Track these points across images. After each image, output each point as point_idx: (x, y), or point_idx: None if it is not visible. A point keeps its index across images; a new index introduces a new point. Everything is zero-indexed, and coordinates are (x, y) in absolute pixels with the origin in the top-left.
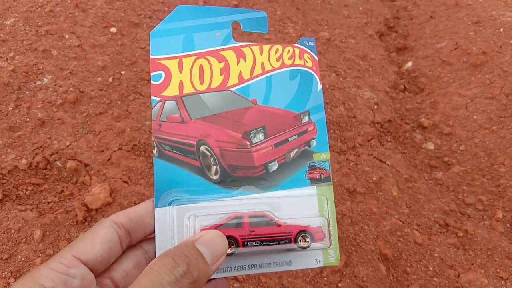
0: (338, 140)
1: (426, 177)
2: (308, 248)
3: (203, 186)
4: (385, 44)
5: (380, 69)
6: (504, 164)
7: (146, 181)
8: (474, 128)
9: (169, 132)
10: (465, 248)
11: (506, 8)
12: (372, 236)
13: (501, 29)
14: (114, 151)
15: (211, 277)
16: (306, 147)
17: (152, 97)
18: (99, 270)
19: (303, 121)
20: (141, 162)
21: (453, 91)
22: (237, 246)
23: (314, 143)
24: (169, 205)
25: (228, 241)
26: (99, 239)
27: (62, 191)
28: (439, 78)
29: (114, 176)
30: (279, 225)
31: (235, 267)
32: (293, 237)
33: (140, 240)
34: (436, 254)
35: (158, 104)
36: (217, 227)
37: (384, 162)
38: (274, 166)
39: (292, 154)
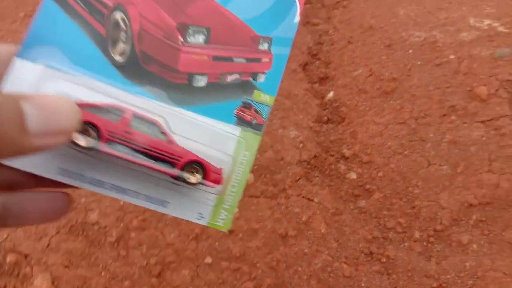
0: (270, 184)
1: (351, 207)
2: (194, 187)
3: (96, 61)
4: (309, 74)
5: (304, 104)
6: (417, 186)
7: (87, 262)
8: (389, 154)
9: None
10: (389, 273)
11: (415, 28)
12: (305, 277)
13: (410, 51)
14: (52, 236)
15: (46, 177)
16: (251, 78)
17: None
18: None
19: (261, 47)
20: (80, 243)
21: (369, 119)
22: (99, 139)
23: (262, 78)
24: (36, 62)
25: (87, 130)
26: None
27: (5, 286)
28: (357, 107)
29: (55, 263)
30: (169, 142)
31: (91, 179)
32: (180, 164)
33: None
34: (363, 284)
35: None
36: (84, 106)
37: (312, 200)
38: (201, 81)
39: (229, 77)
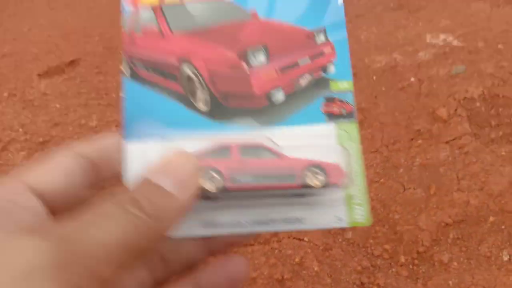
0: None
1: (339, 240)
2: (321, 190)
3: (186, 117)
4: None
5: None
6: (397, 211)
7: None
8: (367, 183)
9: (145, 48)
10: None
11: (376, 52)
12: None
13: (374, 77)
14: None
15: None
16: (322, 73)
17: (124, 5)
18: (56, 208)
19: (318, 40)
20: None
21: None
22: (223, 181)
23: (332, 68)
24: (142, 138)
25: (210, 175)
26: (54, 166)
27: None
28: None
29: None
30: (280, 157)
31: (230, 223)
32: (299, 172)
33: (108, 179)
34: None
35: (131, 13)
36: (197, 155)
37: (302, 239)
38: (279, 96)
39: (302, 81)
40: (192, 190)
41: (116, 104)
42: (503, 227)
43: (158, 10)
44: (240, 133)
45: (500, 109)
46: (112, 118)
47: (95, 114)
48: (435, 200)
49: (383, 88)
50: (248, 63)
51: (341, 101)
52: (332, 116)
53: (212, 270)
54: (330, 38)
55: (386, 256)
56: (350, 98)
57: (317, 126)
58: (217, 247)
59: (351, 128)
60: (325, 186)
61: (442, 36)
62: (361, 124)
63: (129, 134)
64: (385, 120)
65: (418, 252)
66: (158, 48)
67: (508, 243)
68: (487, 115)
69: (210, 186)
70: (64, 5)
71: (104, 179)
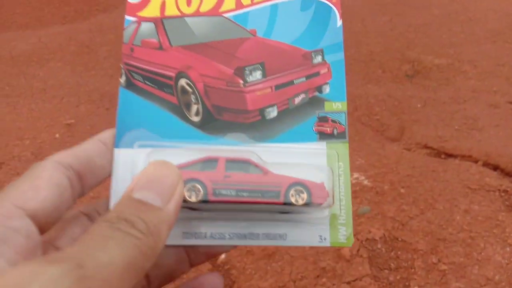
0: None
1: None
2: (304, 208)
3: (178, 128)
4: None
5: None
6: None
7: None
8: None
9: (143, 59)
10: None
11: None
12: None
13: None
14: None
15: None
16: (317, 93)
17: (126, 17)
18: (46, 226)
19: (315, 61)
20: None
21: (255, 284)
22: (206, 193)
23: (327, 89)
24: (133, 146)
25: (194, 186)
26: (43, 183)
27: None
28: (245, 269)
29: None
30: (265, 173)
31: (211, 234)
32: (283, 190)
33: (91, 188)
34: None
35: (132, 25)
36: (183, 166)
37: None
38: (273, 113)
39: (297, 100)
40: (176, 201)
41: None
42: None
43: (159, 23)
44: (230, 147)
45: (399, 253)
46: None
47: None
48: None
49: None
50: (244, 79)
51: (334, 121)
52: (324, 135)
53: (186, 286)
54: (327, 59)
55: None
56: (343, 119)
57: (308, 145)
58: (198, 258)
59: (342, 148)
60: (308, 204)
61: (355, 175)
62: (272, 256)
63: (120, 141)
64: (295, 254)
65: None
66: (156, 60)
67: None
68: (387, 258)
69: (193, 197)
70: (6, 103)
71: (88, 188)
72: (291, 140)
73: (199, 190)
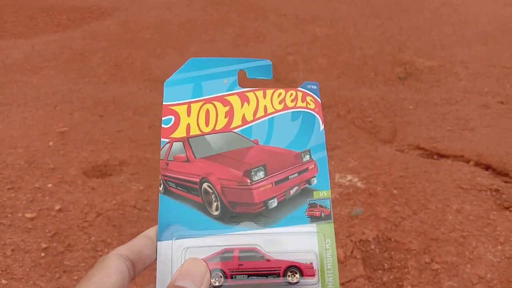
0: None
1: None
2: (297, 285)
3: (203, 221)
4: None
5: None
6: None
7: None
8: None
9: (175, 171)
10: None
11: None
12: None
13: None
14: None
15: None
16: (307, 185)
17: (162, 139)
18: None
19: (304, 159)
20: None
21: None
22: (225, 278)
23: (314, 181)
24: (171, 239)
25: (217, 274)
26: (112, 270)
27: None
28: None
29: None
30: (268, 260)
31: None
32: (281, 272)
33: (140, 271)
34: None
35: (166, 145)
36: (209, 258)
37: None
38: (273, 203)
39: (292, 191)
40: (205, 286)
41: None
42: None
43: (186, 142)
44: (242, 233)
45: (392, 253)
46: (11, 240)
47: None
48: None
49: None
50: (251, 179)
51: (321, 206)
52: (314, 218)
53: None
54: (313, 157)
55: None
56: (328, 204)
57: (302, 227)
58: None
59: (328, 228)
60: (301, 282)
61: (348, 177)
62: None
63: (161, 236)
64: None
65: None
66: (185, 170)
67: None
68: (381, 258)
69: (216, 283)
70: None
71: (138, 272)
72: (289, 224)
73: (221, 277)
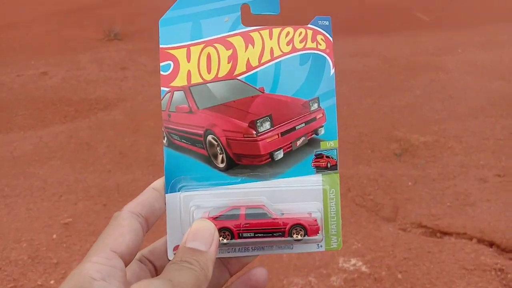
0: None
1: None
2: (302, 241)
3: (209, 174)
4: None
5: None
6: None
7: None
8: None
9: (178, 122)
10: None
11: (295, 272)
12: None
13: None
14: None
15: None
16: (314, 135)
17: (162, 88)
18: (129, 262)
19: (312, 108)
20: None
21: None
22: (233, 237)
23: (322, 131)
24: (178, 191)
25: (224, 232)
26: (125, 229)
27: None
28: None
29: None
30: (274, 218)
31: (239, 248)
32: (287, 230)
33: (152, 225)
34: None
35: (167, 94)
36: (214, 218)
37: None
38: (279, 155)
39: (298, 142)
40: (214, 245)
41: None
42: None
43: (188, 91)
44: (248, 185)
45: None
46: None
47: None
48: None
49: None
50: (256, 130)
51: (327, 156)
52: (320, 169)
53: (238, 282)
54: (322, 105)
55: None
56: (334, 154)
57: (309, 177)
58: (233, 268)
59: (334, 178)
60: (305, 239)
61: (353, 261)
62: None
63: (168, 188)
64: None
65: None
66: (188, 122)
67: None
68: None
69: (225, 241)
70: (4, 205)
71: (151, 225)
72: (295, 174)
73: (228, 235)
